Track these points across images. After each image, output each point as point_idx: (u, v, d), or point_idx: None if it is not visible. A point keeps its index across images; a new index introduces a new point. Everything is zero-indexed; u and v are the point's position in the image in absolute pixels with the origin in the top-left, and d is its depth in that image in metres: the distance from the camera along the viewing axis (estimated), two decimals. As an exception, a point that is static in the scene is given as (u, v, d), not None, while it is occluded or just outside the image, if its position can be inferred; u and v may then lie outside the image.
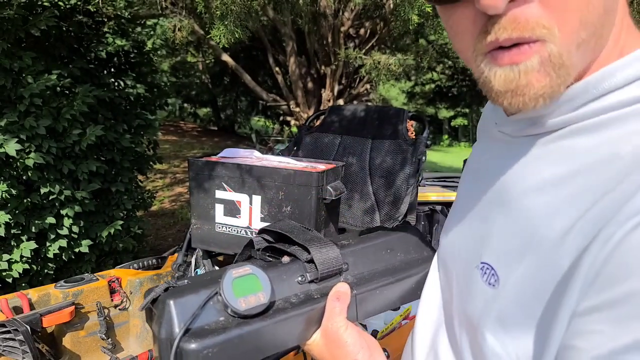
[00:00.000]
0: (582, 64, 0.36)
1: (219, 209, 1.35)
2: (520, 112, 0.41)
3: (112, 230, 2.48)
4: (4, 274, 2.10)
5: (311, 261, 0.52)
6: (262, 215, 1.31)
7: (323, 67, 6.06)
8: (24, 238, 2.16)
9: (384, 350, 1.28)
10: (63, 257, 2.34)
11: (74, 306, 1.32)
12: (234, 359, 0.44)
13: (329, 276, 0.53)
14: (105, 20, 2.66)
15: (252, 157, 1.46)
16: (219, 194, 1.34)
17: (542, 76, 0.34)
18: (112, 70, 2.72)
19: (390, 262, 0.59)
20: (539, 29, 0.33)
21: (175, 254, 1.71)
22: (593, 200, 0.33)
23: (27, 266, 2.15)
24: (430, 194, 2.15)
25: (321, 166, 1.35)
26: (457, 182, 0.89)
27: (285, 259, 0.54)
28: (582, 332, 0.29)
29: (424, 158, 1.86)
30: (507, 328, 0.37)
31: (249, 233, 1.33)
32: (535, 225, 0.37)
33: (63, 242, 2.30)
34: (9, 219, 2.03)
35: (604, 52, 0.37)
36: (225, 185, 1.33)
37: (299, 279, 0.52)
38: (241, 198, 1.32)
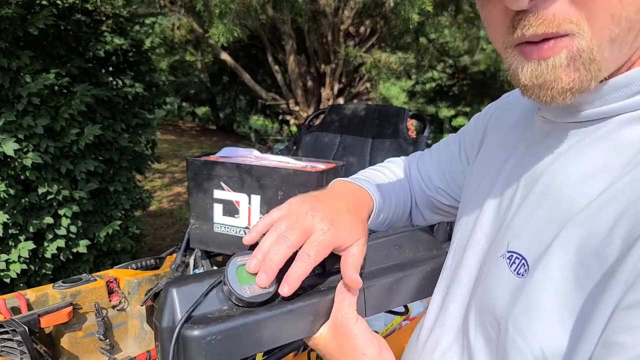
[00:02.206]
0: (618, 59, 0.34)
1: (218, 208, 1.34)
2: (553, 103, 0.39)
3: (110, 231, 2.47)
4: (1, 274, 2.09)
5: None
6: (261, 215, 1.30)
7: (323, 66, 6.05)
8: (21, 238, 2.15)
9: None
10: (61, 257, 2.34)
11: (71, 307, 1.31)
12: (237, 348, 0.43)
13: (337, 269, 0.51)
14: (104, 18, 2.65)
15: (251, 156, 1.45)
16: (218, 193, 1.33)
17: (571, 71, 0.33)
18: (111, 69, 2.71)
19: (398, 258, 0.57)
20: (567, 24, 0.32)
21: (174, 254, 1.70)
22: None
23: (25, 266, 2.14)
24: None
25: (321, 166, 1.34)
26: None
27: None
28: (627, 328, 0.27)
29: (424, 157, 1.85)
30: (534, 320, 0.35)
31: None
32: (578, 214, 0.35)
33: (61, 242, 2.29)
34: (7, 218, 2.02)
35: None
36: (224, 185, 1.32)
37: None
38: (240, 198, 1.31)
